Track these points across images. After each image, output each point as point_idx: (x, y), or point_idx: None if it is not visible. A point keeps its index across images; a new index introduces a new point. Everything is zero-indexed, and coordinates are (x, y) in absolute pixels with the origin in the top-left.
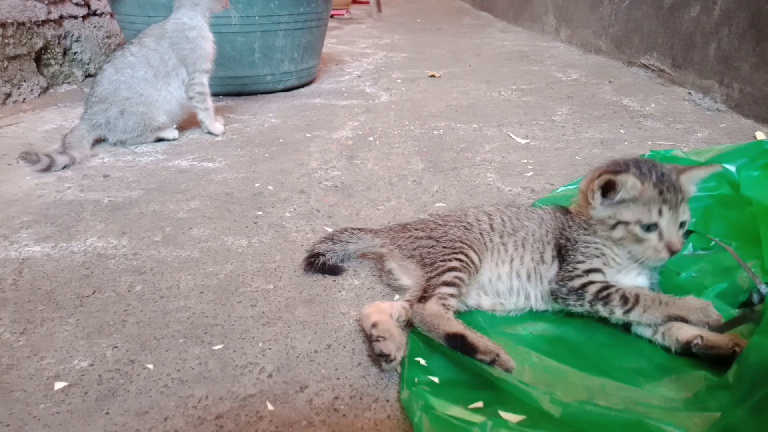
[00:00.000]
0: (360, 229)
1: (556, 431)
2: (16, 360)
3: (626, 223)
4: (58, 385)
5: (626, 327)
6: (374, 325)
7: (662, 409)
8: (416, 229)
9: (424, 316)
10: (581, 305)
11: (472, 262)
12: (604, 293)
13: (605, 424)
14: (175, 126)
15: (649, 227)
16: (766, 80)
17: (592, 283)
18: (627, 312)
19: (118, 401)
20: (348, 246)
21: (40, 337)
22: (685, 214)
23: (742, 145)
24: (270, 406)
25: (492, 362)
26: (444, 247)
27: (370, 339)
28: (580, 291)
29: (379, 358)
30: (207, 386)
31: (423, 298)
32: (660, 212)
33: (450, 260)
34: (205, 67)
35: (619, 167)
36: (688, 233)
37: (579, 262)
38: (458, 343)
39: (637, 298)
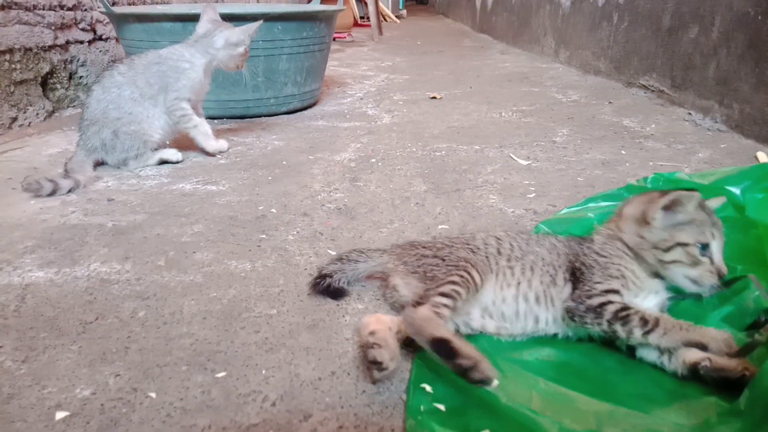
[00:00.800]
0: (369, 249)
1: None
2: (17, 389)
3: (685, 245)
4: (60, 414)
5: (630, 351)
6: (371, 333)
7: None
8: (424, 248)
9: (414, 318)
10: (599, 324)
11: (473, 280)
12: (624, 313)
13: None
14: (175, 149)
15: (705, 249)
16: (765, 100)
17: (611, 303)
18: (647, 333)
19: (121, 431)
20: (357, 266)
21: (42, 365)
22: (722, 238)
23: (746, 168)
24: None
25: (471, 368)
26: (447, 265)
27: (365, 346)
28: (598, 309)
29: (372, 366)
30: (210, 415)
31: (417, 304)
32: (713, 235)
33: (451, 275)
34: (185, 95)
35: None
36: None
37: (597, 283)
38: (441, 347)
39: (657, 321)
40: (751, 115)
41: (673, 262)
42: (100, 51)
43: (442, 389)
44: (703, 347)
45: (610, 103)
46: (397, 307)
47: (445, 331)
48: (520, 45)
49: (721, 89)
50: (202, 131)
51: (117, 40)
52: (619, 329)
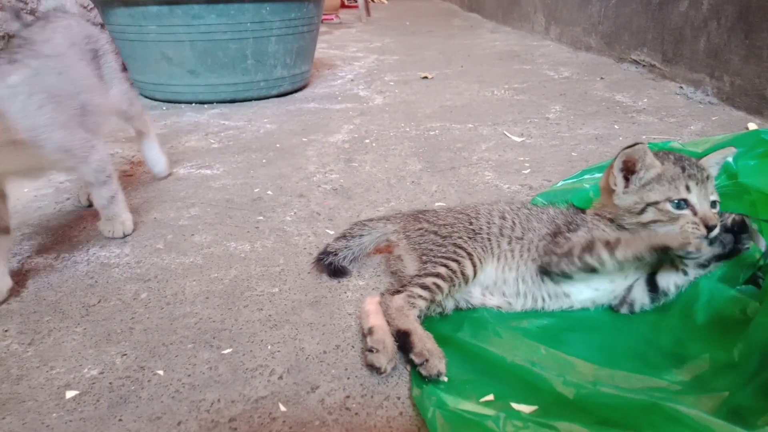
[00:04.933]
0: (371, 219)
1: (569, 418)
2: (25, 371)
3: (655, 203)
4: (70, 393)
5: (630, 309)
6: (370, 331)
7: (671, 392)
8: (427, 222)
9: (389, 307)
10: (573, 263)
11: (462, 274)
12: (590, 243)
13: (620, 406)
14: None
15: (679, 204)
16: (755, 72)
17: (577, 243)
18: (612, 252)
19: (131, 408)
20: (362, 239)
21: (48, 347)
22: (713, 194)
23: (739, 134)
24: (282, 408)
25: (421, 364)
26: (444, 251)
27: (364, 347)
28: (568, 254)
29: (371, 369)
30: (218, 390)
31: (397, 292)
32: (688, 188)
33: (440, 266)
34: None
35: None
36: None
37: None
38: (402, 339)
39: (618, 238)
40: (742, 87)
41: (651, 222)
42: None
43: (447, 358)
44: (666, 249)
45: (601, 78)
46: (400, 278)
47: (410, 323)
48: (510, 23)
49: (711, 62)
50: None
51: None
52: (589, 260)
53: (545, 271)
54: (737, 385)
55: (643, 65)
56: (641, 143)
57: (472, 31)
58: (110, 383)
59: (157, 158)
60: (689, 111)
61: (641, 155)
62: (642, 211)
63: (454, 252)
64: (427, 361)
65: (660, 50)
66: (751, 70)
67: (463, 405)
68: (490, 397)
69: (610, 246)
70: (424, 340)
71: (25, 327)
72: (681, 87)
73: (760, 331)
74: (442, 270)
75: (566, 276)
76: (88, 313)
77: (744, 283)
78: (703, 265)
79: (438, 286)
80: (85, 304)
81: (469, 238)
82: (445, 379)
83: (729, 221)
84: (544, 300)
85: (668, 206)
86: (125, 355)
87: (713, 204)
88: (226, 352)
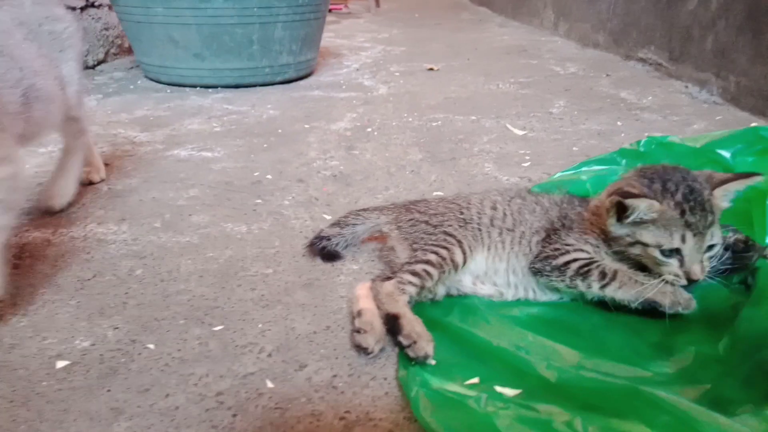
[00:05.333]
0: (365, 209)
1: (553, 402)
2: (18, 340)
3: (645, 245)
4: (60, 363)
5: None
6: (358, 314)
7: (655, 383)
8: (419, 212)
9: (379, 292)
10: (562, 280)
11: (452, 261)
12: (585, 269)
13: (601, 390)
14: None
15: (671, 252)
16: (762, 73)
17: (575, 260)
18: (603, 287)
19: (120, 379)
20: (356, 228)
21: (42, 319)
22: (714, 237)
23: (738, 131)
24: (270, 384)
25: (409, 346)
26: (434, 239)
27: (352, 328)
28: (562, 268)
29: (358, 350)
30: (208, 365)
31: (387, 278)
32: (683, 238)
33: (430, 253)
34: None
35: (634, 187)
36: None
37: (568, 244)
38: (391, 322)
39: (614, 274)
40: (748, 87)
41: (637, 255)
42: (93, 18)
43: (435, 342)
44: (655, 305)
45: (607, 75)
46: (392, 267)
47: (400, 307)
48: (519, 18)
49: (718, 61)
50: None
51: (110, 6)
52: (579, 283)
53: (536, 272)
54: (720, 377)
55: (650, 63)
56: (645, 198)
57: (480, 24)
58: (101, 355)
59: (65, 185)
60: (693, 110)
61: (634, 207)
62: (631, 245)
63: (444, 240)
64: (414, 343)
65: (667, 48)
66: (758, 70)
67: (447, 386)
68: (475, 380)
69: (603, 279)
70: (412, 323)
71: (20, 299)
72: (686, 86)
73: (745, 326)
74: (432, 257)
75: (553, 288)
76: (83, 287)
77: (737, 283)
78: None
79: (428, 273)
80: (80, 278)
81: (460, 226)
82: (433, 362)
83: (732, 241)
84: (534, 292)
85: (656, 253)
86: (117, 328)
87: (710, 248)
88: (217, 329)
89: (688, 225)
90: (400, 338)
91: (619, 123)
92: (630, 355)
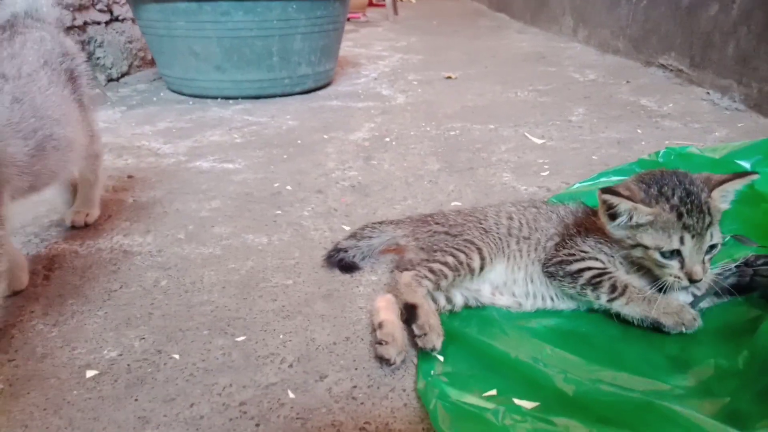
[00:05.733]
0: (381, 223)
1: (568, 414)
2: (49, 349)
3: (645, 247)
4: (90, 373)
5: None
6: (380, 326)
7: (673, 396)
8: (436, 224)
9: (398, 282)
10: (573, 287)
11: (469, 266)
12: (597, 279)
13: (617, 404)
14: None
15: (671, 253)
16: None
17: (588, 269)
18: (611, 300)
19: (146, 389)
20: (372, 241)
21: (71, 329)
22: (714, 237)
23: (758, 141)
24: (291, 394)
25: (420, 336)
26: (454, 243)
27: (374, 340)
28: (575, 275)
29: (380, 361)
30: (231, 375)
31: (406, 269)
32: (682, 240)
33: (448, 255)
34: None
35: (628, 190)
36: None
37: (583, 251)
38: (409, 311)
39: (624, 290)
40: None
41: (640, 257)
42: (117, 32)
43: (451, 354)
44: (659, 325)
45: (627, 82)
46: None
47: (418, 298)
48: (537, 24)
49: (740, 68)
50: None
51: (133, 20)
52: (589, 293)
53: (549, 275)
54: (738, 391)
55: (671, 70)
56: (626, 200)
57: (498, 31)
58: (128, 365)
59: (89, 204)
60: (715, 117)
61: (618, 208)
62: (633, 247)
63: (465, 246)
64: (425, 334)
65: (688, 55)
66: None
67: (465, 398)
68: (493, 392)
69: (613, 293)
70: (428, 315)
71: (50, 309)
72: (708, 93)
73: (764, 339)
74: (450, 259)
75: (564, 292)
76: (110, 297)
77: (759, 297)
78: (717, 294)
79: (444, 274)
80: (107, 290)
81: (481, 234)
82: (441, 357)
83: (751, 259)
84: (552, 300)
85: (656, 255)
86: (143, 338)
87: (711, 248)
88: (239, 339)
89: (686, 227)
90: (414, 327)
91: (639, 131)
92: (647, 368)
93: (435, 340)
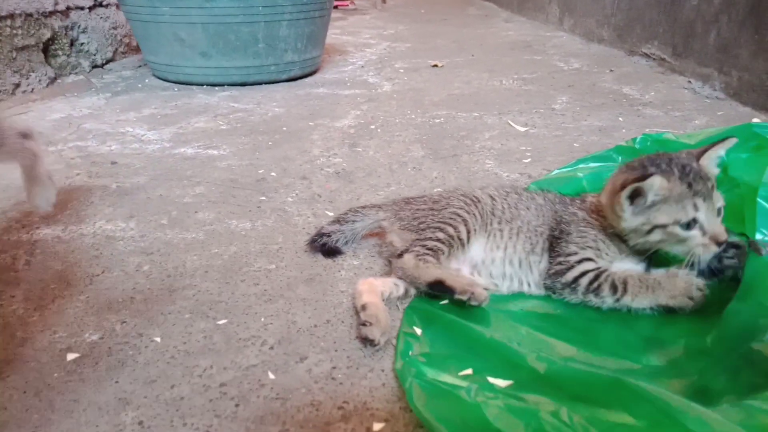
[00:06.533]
0: (364, 207)
1: (541, 392)
2: (30, 334)
3: (663, 226)
4: (70, 356)
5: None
6: (363, 307)
7: (643, 374)
8: (419, 203)
9: (405, 269)
10: (575, 296)
11: (459, 239)
12: (595, 285)
13: (586, 381)
14: None
15: (689, 224)
16: (764, 68)
17: (583, 274)
18: (617, 300)
19: (127, 371)
20: (355, 225)
21: (52, 313)
22: (719, 200)
23: (732, 127)
24: (271, 375)
25: (469, 299)
26: (440, 217)
27: (358, 322)
28: (573, 285)
29: (364, 342)
30: (212, 357)
31: (401, 254)
32: (696, 206)
33: (438, 230)
34: None
35: (639, 170)
36: None
37: (570, 254)
38: (438, 288)
39: (625, 287)
40: (750, 83)
41: (660, 242)
42: (101, 17)
43: (430, 335)
44: (669, 309)
45: (611, 71)
46: (397, 254)
47: (436, 272)
48: (524, 13)
49: (721, 57)
50: None
51: (117, 6)
52: (593, 299)
53: (548, 289)
54: (707, 369)
55: (653, 59)
56: (655, 175)
57: (486, 20)
58: (109, 348)
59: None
60: (695, 105)
61: (650, 186)
62: (649, 232)
63: (450, 218)
64: (473, 293)
65: (671, 44)
66: (760, 65)
67: (441, 377)
68: (469, 371)
69: (615, 293)
70: (458, 280)
71: (31, 294)
72: (689, 81)
73: (731, 319)
74: (440, 234)
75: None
76: (92, 282)
77: (730, 279)
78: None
79: (439, 248)
80: (89, 274)
81: (466, 204)
82: (418, 331)
83: (736, 241)
84: (529, 285)
85: (677, 229)
86: (125, 322)
87: (719, 211)
88: (221, 322)
89: (696, 193)
90: (458, 296)
91: (620, 119)
92: (621, 348)
93: (481, 293)
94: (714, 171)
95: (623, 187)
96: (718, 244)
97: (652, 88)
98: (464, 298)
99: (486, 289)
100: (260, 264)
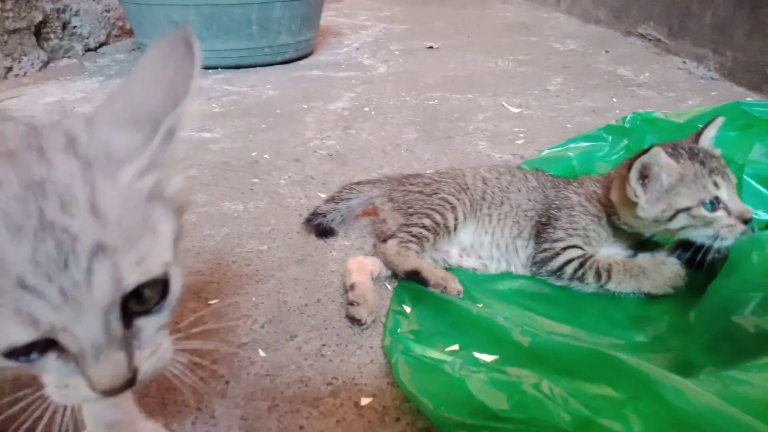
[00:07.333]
0: (358, 183)
1: (524, 366)
2: None
3: (687, 209)
4: None
5: None
6: (351, 287)
7: (626, 349)
8: (411, 184)
9: (387, 255)
10: (561, 282)
11: (446, 226)
12: (580, 272)
13: (569, 354)
14: None
15: (713, 202)
16: (758, 48)
17: (568, 262)
18: (602, 286)
19: None
20: (350, 202)
21: None
22: (733, 177)
23: (721, 106)
24: (262, 353)
25: (443, 291)
26: (430, 203)
27: (345, 301)
28: (558, 272)
29: (352, 321)
30: (203, 337)
31: (386, 239)
32: (716, 184)
33: (425, 217)
34: None
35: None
36: None
37: (557, 240)
38: (414, 277)
39: (609, 274)
40: (744, 63)
41: (683, 228)
42: (93, 0)
43: (418, 313)
44: (651, 296)
45: (606, 52)
46: (385, 237)
47: (415, 262)
48: None
49: (716, 37)
50: None
51: None
52: (578, 285)
53: (534, 275)
54: (688, 343)
55: (649, 39)
56: (656, 146)
57: (484, 1)
58: None
59: None
60: (690, 86)
61: (654, 157)
62: (672, 218)
63: (439, 205)
64: (445, 288)
65: (666, 24)
66: (755, 45)
67: (428, 353)
68: (455, 346)
69: (600, 280)
70: (433, 272)
71: None
72: (684, 62)
73: (713, 294)
74: (427, 221)
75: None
76: None
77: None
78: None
79: (424, 236)
80: None
81: (456, 191)
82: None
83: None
84: (516, 268)
85: (702, 211)
86: None
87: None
88: (212, 302)
89: (712, 170)
90: (432, 288)
91: (614, 100)
92: (607, 325)
93: (457, 285)
94: (717, 151)
95: (629, 170)
96: (745, 222)
97: (646, 69)
98: (437, 291)
99: (475, 269)
100: (252, 245)
